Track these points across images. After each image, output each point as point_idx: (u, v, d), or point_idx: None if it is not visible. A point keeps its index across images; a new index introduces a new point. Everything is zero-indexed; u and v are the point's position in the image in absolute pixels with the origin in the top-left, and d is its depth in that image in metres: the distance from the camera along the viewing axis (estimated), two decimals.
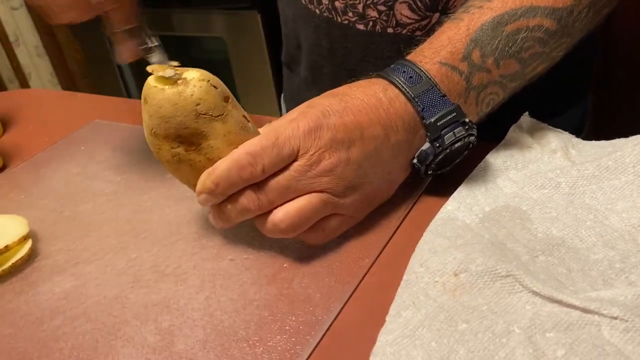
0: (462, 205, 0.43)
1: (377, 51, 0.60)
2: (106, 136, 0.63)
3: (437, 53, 0.44)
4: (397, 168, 0.43)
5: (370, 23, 0.58)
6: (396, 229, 0.43)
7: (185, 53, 1.92)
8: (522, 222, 0.41)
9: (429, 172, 0.44)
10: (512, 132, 0.49)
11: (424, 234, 0.41)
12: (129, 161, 0.57)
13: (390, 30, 0.57)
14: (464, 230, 0.40)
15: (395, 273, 0.39)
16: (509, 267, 0.36)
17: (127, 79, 1.95)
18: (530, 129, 0.49)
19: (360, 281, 0.39)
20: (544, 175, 0.44)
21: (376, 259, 0.40)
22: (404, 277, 0.38)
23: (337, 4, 0.59)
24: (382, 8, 0.56)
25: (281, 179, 0.39)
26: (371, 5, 0.57)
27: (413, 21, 0.56)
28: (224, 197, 0.39)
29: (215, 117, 0.38)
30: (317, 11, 0.61)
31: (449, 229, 0.41)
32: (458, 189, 0.44)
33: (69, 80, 2.15)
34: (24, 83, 2.11)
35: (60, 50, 2.07)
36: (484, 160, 0.47)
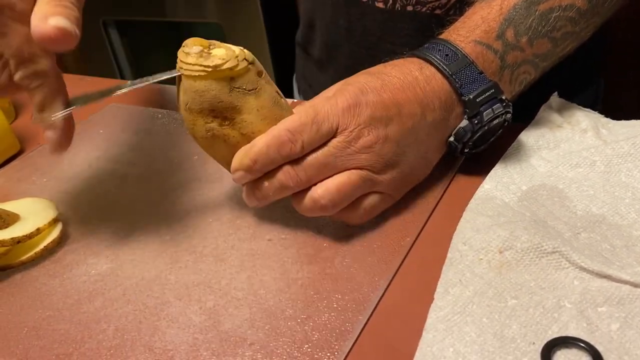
0: (499, 184, 0.43)
1: (396, 29, 0.59)
2: (124, 119, 0.62)
3: (471, 32, 0.43)
4: (434, 147, 0.43)
5: (390, 1, 0.58)
6: (434, 209, 0.43)
7: (177, 40, 1.90)
8: (560, 201, 0.41)
9: (465, 151, 0.44)
10: (542, 111, 0.49)
11: (464, 212, 0.41)
12: (151, 144, 0.57)
13: (409, 8, 0.57)
14: (504, 208, 0.40)
15: (436, 251, 0.39)
16: (554, 243, 0.36)
17: (122, 66, 1.92)
18: (559, 109, 0.49)
19: (403, 260, 0.39)
20: (578, 154, 0.45)
21: (417, 237, 0.40)
22: (448, 255, 0.38)
23: None
24: None
25: (320, 155, 0.38)
26: None
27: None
28: (260, 174, 0.39)
29: (249, 91, 0.38)
30: None
31: (489, 207, 0.41)
32: (494, 169, 0.44)
33: (62, 67, 2.11)
34: None
35: None
36: (516, 140, 0.47)
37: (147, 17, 1.77)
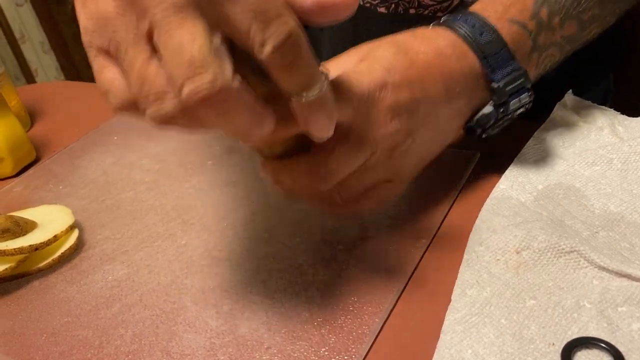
0: (515, 184, 0.43)
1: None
2: (138, 126, 0.63)
3: (507, 9, 0.41)
4: (452, 130, 0.41)
5: (392, 5, 0.57)
6: (449, 210, 0.42)
7: None
8: (577, 199, 0.40)
9: (483, 136, 0.42)
10: (557, 110, 0.48)
11: (480, 213, 0.40)
12: (165, 150, 0.57)
13: (412, 11, 0.57)
14: (521, 208, 0.40)
15: (452, 253, 0.38)
16: (572, 242, 0.36)
17: None
18: (574, 107, 0.48)
19: (419, 261, 0.38)
20: (594, 152, 0.44)
21: (432, 239, 0.40)
22: (464, 257, 0.37)
23: None
24: None
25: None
26: None
27: (435, 2, 0.55)
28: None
29: None
30: None
31: (506, 207, 0.40)
32: (509, 168, 0.44)
33: (75, 76, 2.14)
34: (30, 79, 2.11)
35: (66, 46, 2.06)
36: (531, 138, 0.46)
37: None
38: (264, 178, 0.37)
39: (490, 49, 0.39)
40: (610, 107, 0.48)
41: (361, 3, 0.59)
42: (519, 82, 0.40)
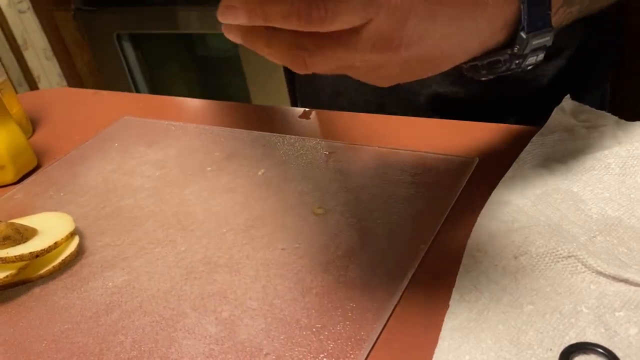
0: (513, 189, 0.43)
1: None
2: (137, 132, 0.63)
3: None
4: (461, 54, 0.37)
5: None
6: (447, 215, 0.42)
7: (191, 52, 1.92)
8: (575, 204, 0.41)
9: (483, 78, 0.40)
10: (555, 114, 0.49)
11: (478, 218, 0.40)
12: (165, 156, 0.57)
13: None
14: (519, 213, 0.40)
15: (451, 258, 0.39)
16: (569, 247, 0.36)
17: (137, 78, 1.94)
18: (573, 111, 0.49)
19: (418, 267, 0.38)
20: (592, 156, 0.44)
21: (430, 244, 0.40)
22: (463, 262, 0.38)
23: None
24: None
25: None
26: None
27: None
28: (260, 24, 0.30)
29: None
30: None
31: (504, 213, 0.40)
32: (507, 173, 0.44)
33: (77, 82, 2.14)
34: (32, 85, 2.12)
35: (68, 52, 2.07)
36: (529, 143, 0.46)
37: (161, 30, 1.79)
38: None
39: None
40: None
41: None
42: (544, 39, 0.37)
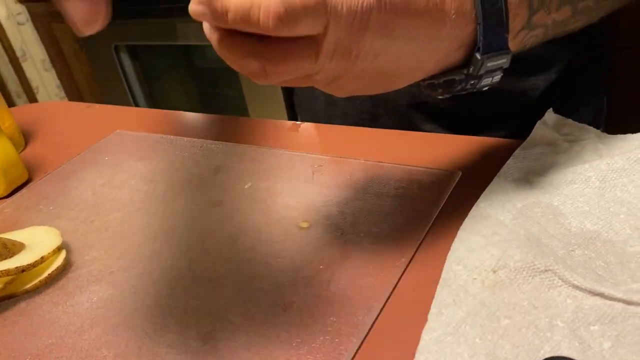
0: (494, 202, 0.43)
1: None
2: (129, 146, 0.64)
3: None
4: (413, 73, 0.37)
5: None
6: (429, 228, 0.43)
7: (189, 63, 1.94)
8: (555, 217, 0.41)
9: (441, 96, 0.41)
10: (538, 128, 0.49)
11: (459, 232, 0.41)
12: (155, 170, 0.58)
13: None
14: (499, 227, 0.41)
15: (431, 272, 0.39)
16: (547, 261, 0.36)
17: (135, 90, 1.96)
18: (555, 125, 0.49)
19: (398, 281, 0.39)
20: (573, 170, 0.45)
21: (411, 258, 0.41)
22: (442, 276, 0.38)
23: None
24: None
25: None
26: None
27: None
28: (224, 26, 0.32)
29: None
30: None
31: (484, 226, 0.41)
32: (489, 187, 0.45)
33: (75, 93, 2.16)
34: (31, 97, 2.13)
35: (66, 64, 2.08)
36: (512, 157, 0.47)
37: (159, 41, 1.81)
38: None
39: (492, 18, 0.36)
40: (604, 131, 0.48)
41: None
42: (501, 61, 0.38)
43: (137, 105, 2.00)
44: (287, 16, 0.30)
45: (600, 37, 0.67)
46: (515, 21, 0.38)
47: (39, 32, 2.06)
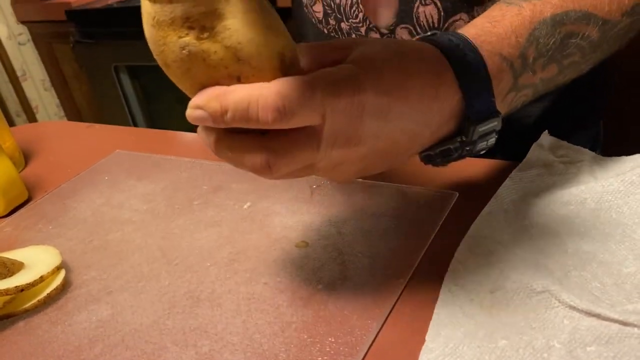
0: (491, 224, 0.44)
1: None
2: (128, 166, 0.64)
3: (500, 42, 0.39)
4: (409, 152, 0.39)
5: (385, 35, 0.59)
6: (426, 249, 0.43)
7: None
8: (552, 239, 0.41)
9: (440, 165, 0.42)
10: (534, 150, 0.50)
11: (456, 252, 0.41)
12: (154, 190, 0.58)
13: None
14: (496, 247, 0.41)
15: (429, 292, 0.39)
16: (544, 282, 0.37)
17: (134, 110, 1.97)
18: (551, 147, 0.50)
19: (396, 301, 0.39)
20: (569, 191, 0.45)
21: (409, 278, 0.41)
22: (440, 296, 0.38)
23: (342, 25, 0.61)
24: (384, 31, 0.58)
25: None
26: (373, 29, 0.58)
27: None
28: (223, 127, 0.33)
29: None
30: (325, 31, 0.63)
31: (481, 247, 0.41)
32: (485, 208, 0.45)
33: (75, 112, 2.17)
34: (31, 116, 2.14)
35: (66, 83, 2.10)
36: (508, 178, 0.47)
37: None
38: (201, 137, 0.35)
39: (475, 89, 0.38)
40: (600, 155, 0.49)
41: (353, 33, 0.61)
42: (492, 125, 0.39)
43: (135, 124, 2.01)
44: (285, 109, 0.31)
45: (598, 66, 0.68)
46: (500, 85, 0.39)
47: (39, 53, 2.08)
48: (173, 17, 0.31)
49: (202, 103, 0.32)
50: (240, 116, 0.31)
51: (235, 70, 0.32)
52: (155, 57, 0.33)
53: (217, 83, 0.32)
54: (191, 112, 0.33)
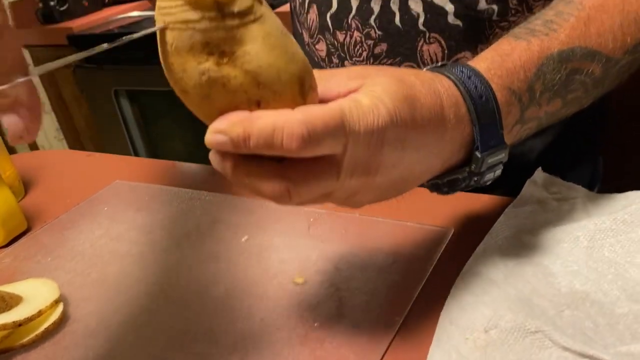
0: (486, 260, 0.44)
1: None
2: (128, 197, 0.65)
3: (510, 77, 0.40)
4: (418, 181, 0.40)
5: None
6: (422, 287, 0.44)
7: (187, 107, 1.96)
8: (545, 277, 0.42)
9: (446, 194, 0.43)
10: (528, 186, 0.50)
11: (451, 290, 0.42)
12: (153, 221, 0.59)
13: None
14: (490, 286, 0.41)
15: (425, 331, 0.39)
16: (537, 322, 0.37)
17: (133, 133, 1.98)
18: (545, 184, 0.51)
19: (392, 339, 0.39)
20: (562, 229, 0.46)
21: (405, 316, 0.41)
22: (435, 335, 0.39)
23: (346, 63, 0.62)
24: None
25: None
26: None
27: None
28: (244, 152, 0.32)
29: (249, 15, 0.31)
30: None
31: (476, 284, 0.42)
32: (480, 245, 0.46)
33: (75, 137, 2.18)
34: None
35: (66, 107, 2.11)
36: (502, 215, 0.48)
37: (158, 87, 1.84)
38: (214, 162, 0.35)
39: (485, 119, 0.39)
40: (600, 191, 0.49)
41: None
42: (500, 156, 0.40)
43: (135, 147, 2.02)
44: (310, 138, 0.31)
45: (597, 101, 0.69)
46: (508, 118, 0.41)
47: (40, 77, 2.10)
48: (192, 43, 0.31)
49: (224, 127, 0.31)
50: (265, 143, 0.31)
51: (255, 95, 0.32)
52: (172, 85, 0.33)
53: (237, 108, 0.32)
54: (212, 137, 0.32)
